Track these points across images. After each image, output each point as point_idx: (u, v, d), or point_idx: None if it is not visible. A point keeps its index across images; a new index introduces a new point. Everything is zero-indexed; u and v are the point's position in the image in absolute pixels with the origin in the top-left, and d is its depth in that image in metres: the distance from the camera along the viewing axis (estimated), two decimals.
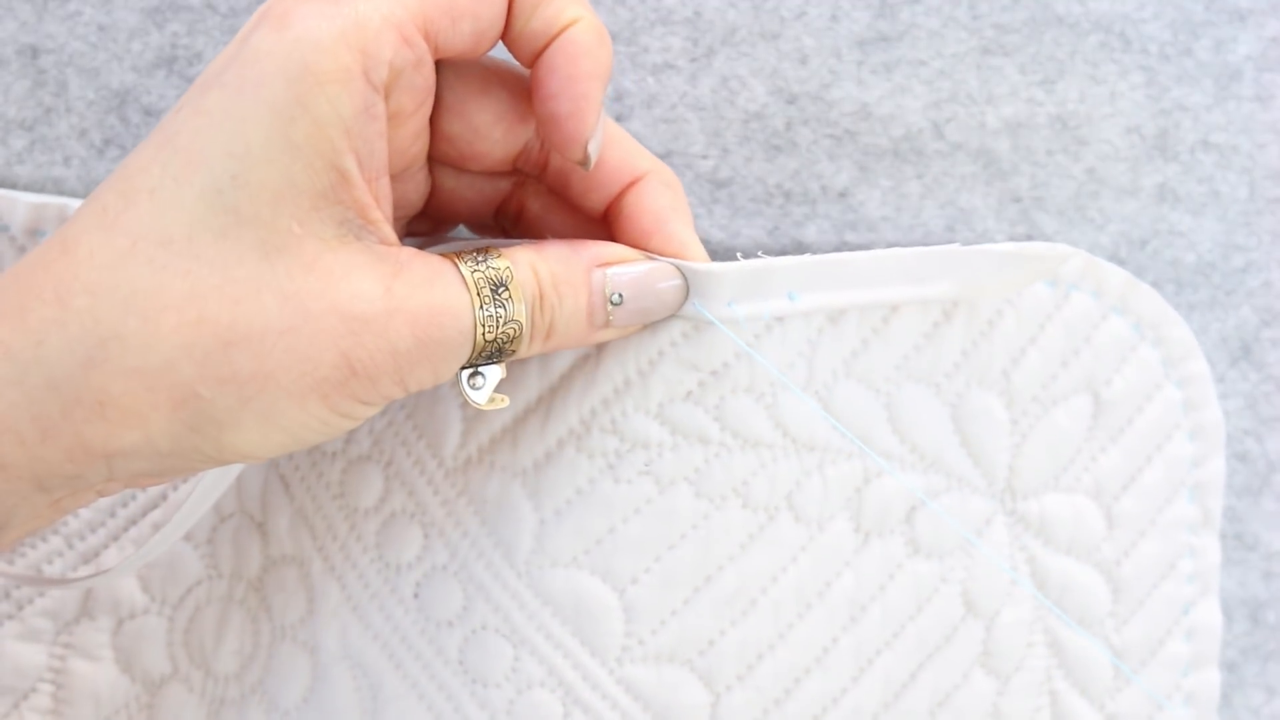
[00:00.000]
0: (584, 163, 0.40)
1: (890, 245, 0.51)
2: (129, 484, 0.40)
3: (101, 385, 0.36)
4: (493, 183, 0.44)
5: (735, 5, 0.50)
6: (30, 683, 0.49)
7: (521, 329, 0.39)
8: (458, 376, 0.40)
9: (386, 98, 0.37)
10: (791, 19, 0.50)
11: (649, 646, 0.44)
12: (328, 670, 0.46)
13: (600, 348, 0.43)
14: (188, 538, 0.48)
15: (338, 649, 0.46)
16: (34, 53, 0.51)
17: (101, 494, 0.40)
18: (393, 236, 0.38)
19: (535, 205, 0.44)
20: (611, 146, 0.42)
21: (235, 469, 0.45)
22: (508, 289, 0.39)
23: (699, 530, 0.43)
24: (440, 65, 0.40)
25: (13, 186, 0.50)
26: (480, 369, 0.40)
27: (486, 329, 0.39)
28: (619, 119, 0.50)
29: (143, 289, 0.36)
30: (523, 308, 0.39)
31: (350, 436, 0.46)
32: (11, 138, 0.51)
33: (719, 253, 0.51)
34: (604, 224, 0.43)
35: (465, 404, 0.44)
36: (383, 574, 0.45)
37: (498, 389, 0.41)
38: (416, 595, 0.45)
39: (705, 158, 0.50)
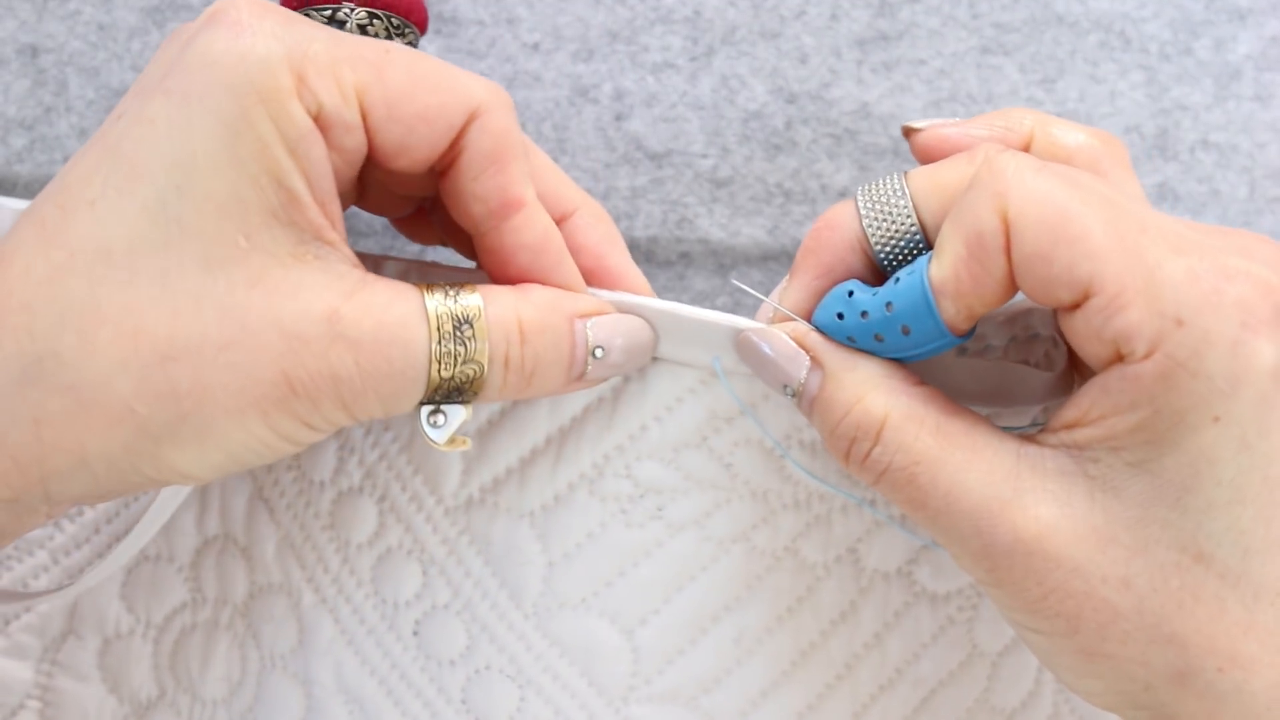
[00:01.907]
0: None
1: None
2: (72, 505, 0.39)
3: (37, 403, 0.35)
4: (416, 199, 0.43)
5: (735, 5, 0.50)
6: (18, 699, 0.48)
7: (483, 370, 0.38)
8: (417, 411, 0.38)
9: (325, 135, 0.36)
10: (791, 18, 0.50)
11: (654, 686, 0.44)
12: (322, 704, 0.45)
13: (616, 394, 0.42)
14: (170, 559, 0.48)
15: (332, 683, 0.45)
16: (34, 52, 0.51)
17: (50, 516, 0.39)
18: (353, 258, 0.37)
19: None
20: (540, 181, 0.41)
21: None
22: (472, 326, 0.37)
23: (707, 573, 0.43)
24: None
25: (13, 186, 0.50)
26: (443, 407, 0.38)
27: (443, 365, 0.37)
28: (618, 119, 0.51)
29: (79, 303, 0.35)
30: (485, 347, 0.38)
31: (340, 467, 0.45)
32: (11, 137, 0.51)
33: (719, 252, 0.51)
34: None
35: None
36: (379, 609, 0.45)
37: (461, 431, 0.39)
38: (416, 633, 0.44)
39: (705, 157, 0.50)
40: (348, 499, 0.45)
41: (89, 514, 0.47)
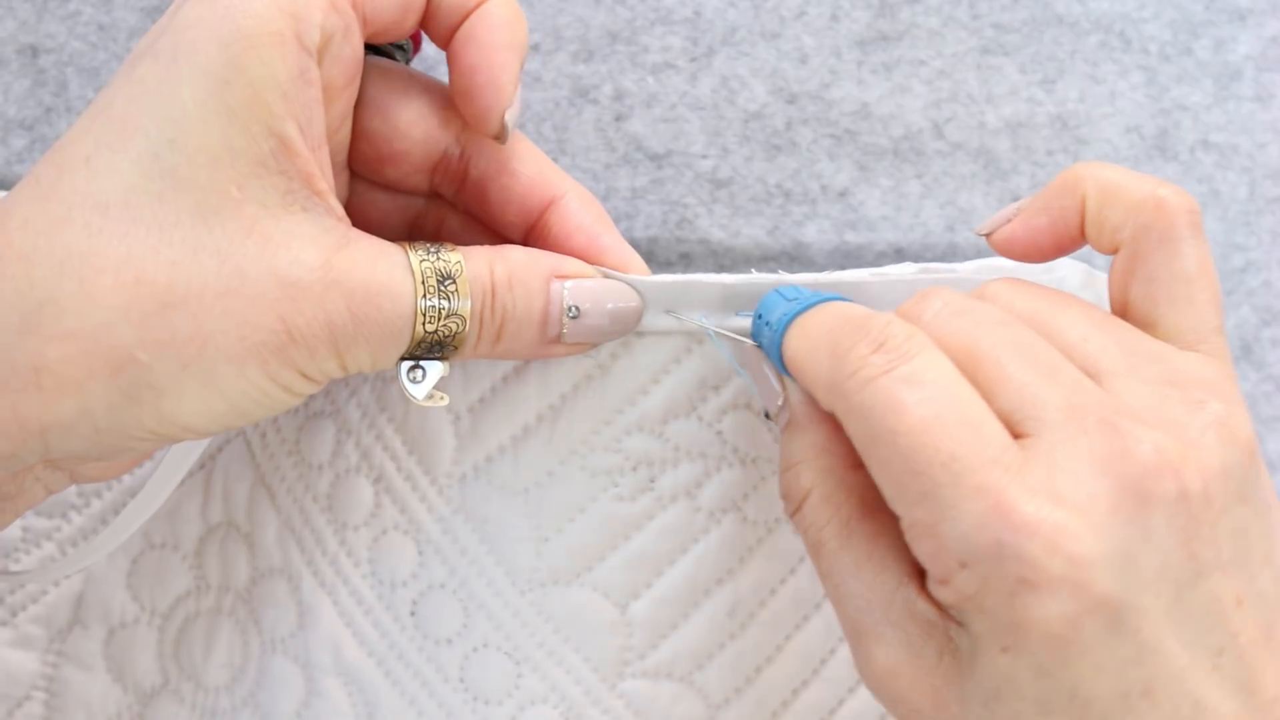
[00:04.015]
0: (500, 136, 0.40)
1: (890, 245, 0.51)
2: (74, 474, 0.39)
3: (37, 350, 0.35)
4: (409, 201, 0.43)
5: (735, 5, 0.50)
6: (24, 690, 0.48)
7: (465, 325, 0.38)
8: (397, 368, 0.39)
9: (318, 65, 0.37)
10: (791, 19, 0.50)
11: (649, 661, 0.44)
12: (320, 684, 0.45)
13: (605, 369, 0.43)
14: (175, 547, 0.48)
15: (331, 664, 0.45)
16: (34, 53, 0.51)
17: (50, 490, 0.39)
18: (340, 210, 0.38)
19: (453, 224, 0.43)
20: (529, 162, 0.41)
21: (189, 459, 0.44)
22: (455, 282, 0.38)
23: (699, 545, 0.43)
24: (366, 67, 0.40)
25: (13, 186, 0.50)
26: (421, 363, 0.39)
27: (427, 319, 0.38)
28: (618, 119, 0.51)
29: (78, 252, 0.35)
30: (467, 304, 0.38)
31: (338, 449, 0.45)
32: (11, 137, 0.51)
33: (719, 252, 0.51)
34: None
35: (456, 419, 0.44)
36: (376, 590, 0.45)
37: (439, 387, 0.40)
38: (413, 613, 0.44)
39: (705, 158, 0.50)
40: (345, 479, 0.45)
41: (96, 505, 0.48)
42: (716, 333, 0.41)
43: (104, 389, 0.35)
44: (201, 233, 0.35)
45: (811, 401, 0.39)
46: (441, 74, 0.42)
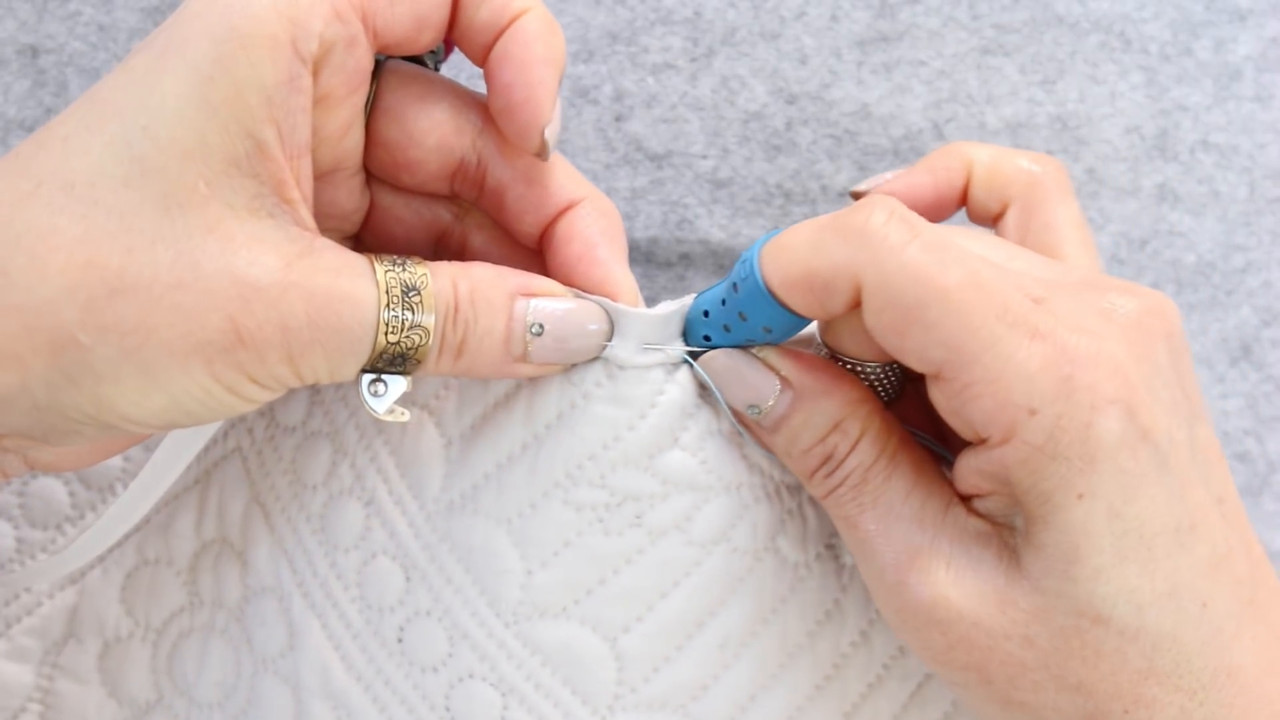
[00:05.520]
0: (541, 152, 0.39)
1: None
2: (28, 460, 0.38)
3: None
4: (430, 207, 0.43)
5: (735, 5, 0.50)
6: (19, 702, 0.48)
7: (428, 337, 0.38)
8: (358, 380, 0.39)
9: (316, 75, 0.37)
10: (791, 19, 0.50)
11: (641, 694, 0.43)
12: (309, 707, 0.45)
13: (588, 399, 0.42)
14: (169, 563, 0.48)
15: (319, 686, 0.45)
16: (34, 53, 0.51)
17: (3, 473, 0.39)
18: (310, 221, 0.37)
19: (478, 240, 0.43)
20: (547, 170, 0.41)
21: (178, 465, 0.44)
22: (419, 294, 0.38)
23: (690, 577, 0.43)
24: (383, 71, 0.40)
25: None
26: (383, 376, 0.39)
27: (390, 329, 0.37)
28: (618, 119, 0.51)
29: (36, 229, 0.35)
30: (431, 317, 0.38)
31: (333, 470, 0.45)
32: (11, 138, 0.51)
33: (719, 252, 0.51)
34: (539, 257, 0.42)
35: (448, 445, 0.43)
36: (364, 614, 0.44)
37: (401, 402, 0.39)
38: (400, 640, 0.44)
39: (705, 158, 0.50)
40: (337, 502, 0.45)
41: (90, 518, 0.48)
42: (689, 357, 0.41)
43: (44, 367, 0.35)
44: (163, 224, 0.35)
45: (818, 366, 0.39)
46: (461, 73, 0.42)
